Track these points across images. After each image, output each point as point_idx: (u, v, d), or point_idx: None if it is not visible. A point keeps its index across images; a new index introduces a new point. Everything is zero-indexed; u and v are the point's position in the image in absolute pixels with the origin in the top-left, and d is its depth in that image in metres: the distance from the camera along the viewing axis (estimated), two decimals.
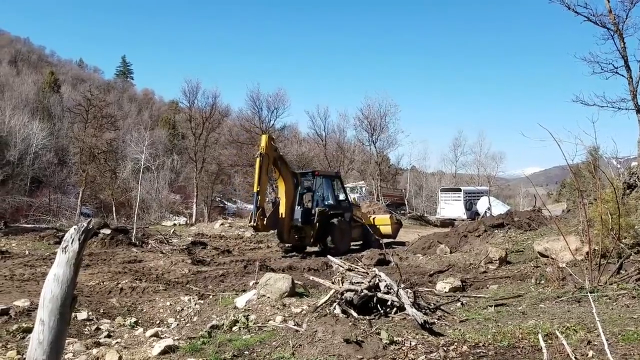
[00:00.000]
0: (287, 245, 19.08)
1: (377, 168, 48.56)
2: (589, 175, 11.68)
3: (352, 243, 20.29)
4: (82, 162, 42.09)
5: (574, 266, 9.43)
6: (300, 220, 18.66)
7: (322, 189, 20.31)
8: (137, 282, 11.79)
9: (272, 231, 19.35)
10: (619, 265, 8.90)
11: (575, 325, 5.95)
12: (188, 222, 38.57)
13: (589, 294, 6.35)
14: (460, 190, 38.56)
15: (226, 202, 58.22)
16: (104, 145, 43.26)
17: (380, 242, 12.81)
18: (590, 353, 4.84)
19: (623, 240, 9.83)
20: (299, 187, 19.21)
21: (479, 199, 37.01)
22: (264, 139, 18.06)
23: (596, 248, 8.92)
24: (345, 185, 23.33)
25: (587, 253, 9.04)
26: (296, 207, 18.86)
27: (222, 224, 32.79)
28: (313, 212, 18.99)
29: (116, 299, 10.19)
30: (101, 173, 42.89)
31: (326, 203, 19.95)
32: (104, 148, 42.99)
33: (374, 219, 22.97)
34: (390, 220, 23.18)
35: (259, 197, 17.20)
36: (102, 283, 11.38)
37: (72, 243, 1.94)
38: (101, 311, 9.14)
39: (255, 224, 17.28)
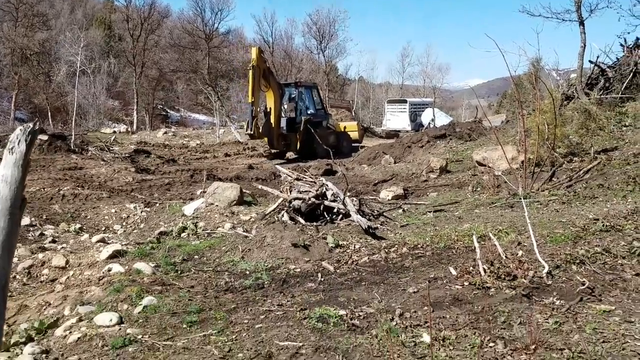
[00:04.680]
0: (272, 151, 20.62)
1: (325, 78, 47.97)
2: (530, 87, 12.03)
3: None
4: (13, 64, 39.22)
5: (509, 174, 9.93)
6: (285, 128, 20.27)
7: (305, 99, 21.70)
8: (79, 189, 11.54)
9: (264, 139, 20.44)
10: (551, 173, 9.46)
11: (507, 229, 6.40)
12: (129, 130, 37.35)
13: (521, 199, 6.78)
14: (405, 101, 38.85)
15: (169, 110, 56.43)
16: (37, 46, 40.29)
17: (330, 151, 13.31)
18: (520, 253, 5.26)
19: (557, 150, 10.37)
20: (284, 97, 20.58)
21: (423, 111, 37.52)
22: (254, 51, 18.89)
23: (531, 157, 9.40)
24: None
25: (523, 162, 9.52)
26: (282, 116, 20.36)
27: (165, 133, 32.08)
28: (298, 120, 20.50)
29: (58, 205, 10.00)
30: (34, 76, 40.28)
31: (309, 112, 21.31)
32: (36, 49, 40.08)
33: (344, 126, 24.19)
34: (358, 126, 24.96)
35: (254, 107, 18.55)
36: (42, 189, 11.08)
37: (18, 144, 1.87)
38: (44, 217, 8.98)
39: (252, 132, 18.74)
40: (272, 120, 19.45)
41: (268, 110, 19.69)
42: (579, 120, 11.06)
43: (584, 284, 4.33)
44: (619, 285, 4.32)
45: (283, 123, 20.23)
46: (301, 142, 20.36)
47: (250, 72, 18.39)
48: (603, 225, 5.74)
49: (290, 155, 20.94)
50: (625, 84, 13.17)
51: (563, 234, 5.77)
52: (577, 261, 4.86)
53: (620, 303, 4.00)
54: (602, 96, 12.86)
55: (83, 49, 23.90)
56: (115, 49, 55.24)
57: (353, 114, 42.46)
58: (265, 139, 20.10)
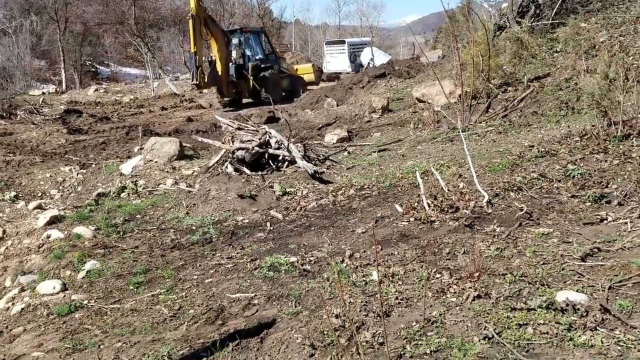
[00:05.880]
0: (225, 99, 20.20)
1: (260, 22, 46.43)
2: (463, 20, 12.01)
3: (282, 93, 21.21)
4: None
5: (448, 109, 10.07)
6: (235, 75, 19.85)
7: (252, 45, 21.16)
8: (10, 155, 11.03)
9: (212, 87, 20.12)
10: (487, 104, 9.66)
11: (448, 162, 6.53)
12: (58, 89, 35.25)
13: (460, 133, 6.89)
14: (344, 42, 38.30)
15: (98, 66, 53.46)
16: None
17: (271, 98, 13.09)
18: (461, 185, 5.38)
19: (492, 81, 10.52)
20: (230, 45, 20.04)
21: (362, 51, 37.20)
22: (192, 0, 18.02)
23: (468, 90, 9.53)
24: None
25: (460, 96, 9.65)
26: (230, 63, 19.90)
27: (96, 90, 30.55)
28: (246, 67, 20.04)
29: None
30: None
31: (256, 58, 20.80)
32: None
33: (296, 69, 23.70)
34: (313, 68, 24.35)
35: (197, 57, 17.96)
36: None
37: None
38: None
39: (197, 82, 18.27)
40: (219, 68, 19.07)
41: (213, 58, 19.34)
42: (511, 49, 11.19)
43: (522, 210, 4.49)
44: (555, 208, 4.51)
45: (232, 70, 19.91)
46: (250, 89, 20.15)
47: (190, 22, 17.79)
48: (538, 152, 5.93)
49: (246, 101, 20.63)
50: (555, 10, 13.31)
51: (501, 163, 5.94)
52: (515, 188, 5.02)
53: (558, 225, 4.18)
54: (533, 24, 12.97)
55: (1, 8, 22.02)
56: (35, 5, 51.10)
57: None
58: (213, 87, 19.80)
